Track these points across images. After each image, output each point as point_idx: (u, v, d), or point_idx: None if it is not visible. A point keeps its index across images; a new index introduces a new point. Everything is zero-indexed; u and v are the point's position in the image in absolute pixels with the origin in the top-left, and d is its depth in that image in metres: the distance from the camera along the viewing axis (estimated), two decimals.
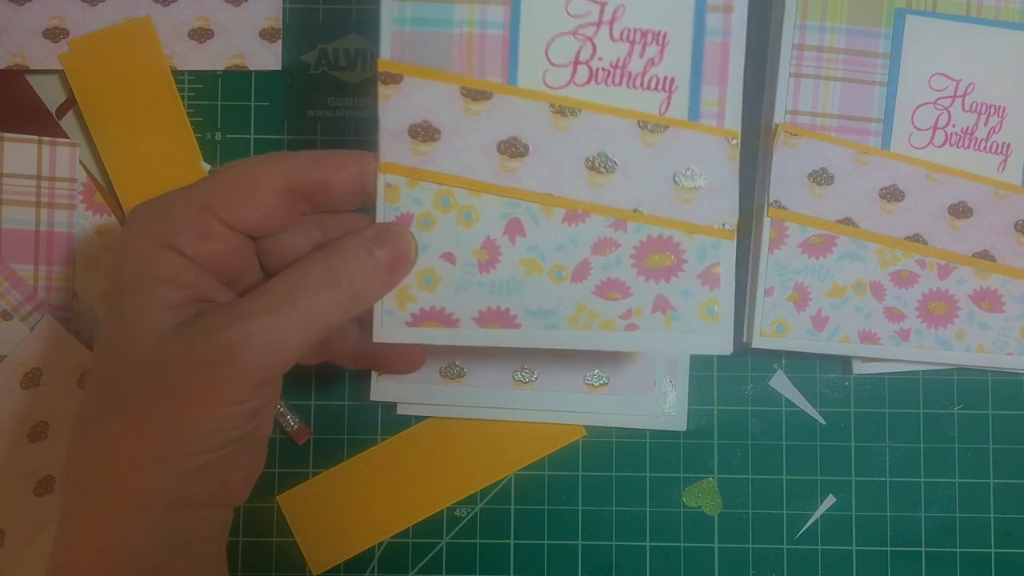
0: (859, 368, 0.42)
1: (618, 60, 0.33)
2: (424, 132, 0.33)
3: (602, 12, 0.33)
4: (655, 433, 0.43)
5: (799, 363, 0.43)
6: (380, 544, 0.43)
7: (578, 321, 0.33)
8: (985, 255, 0.41)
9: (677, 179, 0.33)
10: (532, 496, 0.43)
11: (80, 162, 0.42)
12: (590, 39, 0.33)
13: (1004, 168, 0.40)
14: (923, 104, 0.40)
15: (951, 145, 0.40)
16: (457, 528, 0.43)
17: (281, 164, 0.31)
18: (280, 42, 0.43)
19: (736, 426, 0.43)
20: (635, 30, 0.33)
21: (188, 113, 0.43)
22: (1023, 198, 0.40)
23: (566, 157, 0.33)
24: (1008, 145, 0.40)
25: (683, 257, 0.33)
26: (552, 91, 0.33)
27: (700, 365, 0.43)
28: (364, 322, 0.33)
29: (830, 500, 0.43)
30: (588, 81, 0.33)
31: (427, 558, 0.43)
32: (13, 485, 0.41)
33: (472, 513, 0.43)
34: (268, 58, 0.43)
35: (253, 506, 0.42)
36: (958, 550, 0.42)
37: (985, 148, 0.39)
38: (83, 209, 0.42)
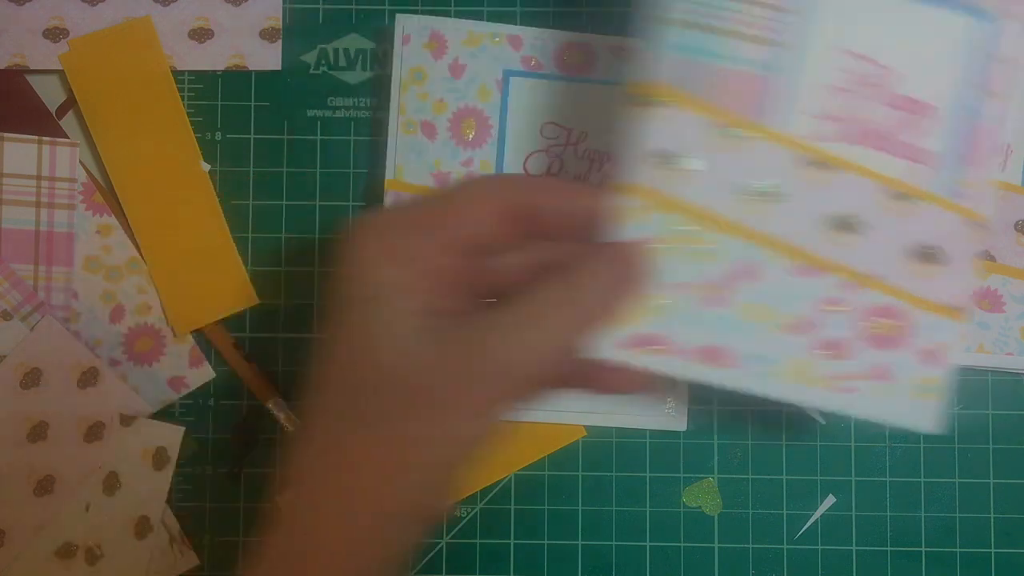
0: None
1: (884, 125, 0.32)
2: (675, 159, 0.32)
3: (879, 75, 0.32)
4: (655, 433, 0.43)
5: None
6: None
7: (793, 373, 0.33)
8: (985, 255, 0.41)
9: (919, 252, 0.33)
10: (532, 496, 0.43)
11: (80, 162, 0.42)
12: (863, 97, 0.32)
13: (1005, 168, 0.40)
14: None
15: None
16: (457, 528, 0.43)
17: (513, 186, 0.32)
18: (280, 42, 0.43)
19: (736, 426, 0.43)
20: (906, 97, 0.32)
21: (188, 113, 0.43)
22: (1022, 198, 0.40)
23: (813, 210, 0.32)
24: (1007, 145, 0.40)
25: (910, 330, 0.33)
26: (809, 142, 0.32)
27: None
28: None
29: (830, 500, 0.43)
30: (846, 139, 0.32)
31: (427, 558, 0.43)
32: (13, 485, 0.41)
33: (472, 513, 0.43)
34: (268, 58, 0.43)
35: (253, 506, 0.42)
36: (958, 550, 0.42)
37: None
38: (83, 209, 0.42)
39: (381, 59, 0.43)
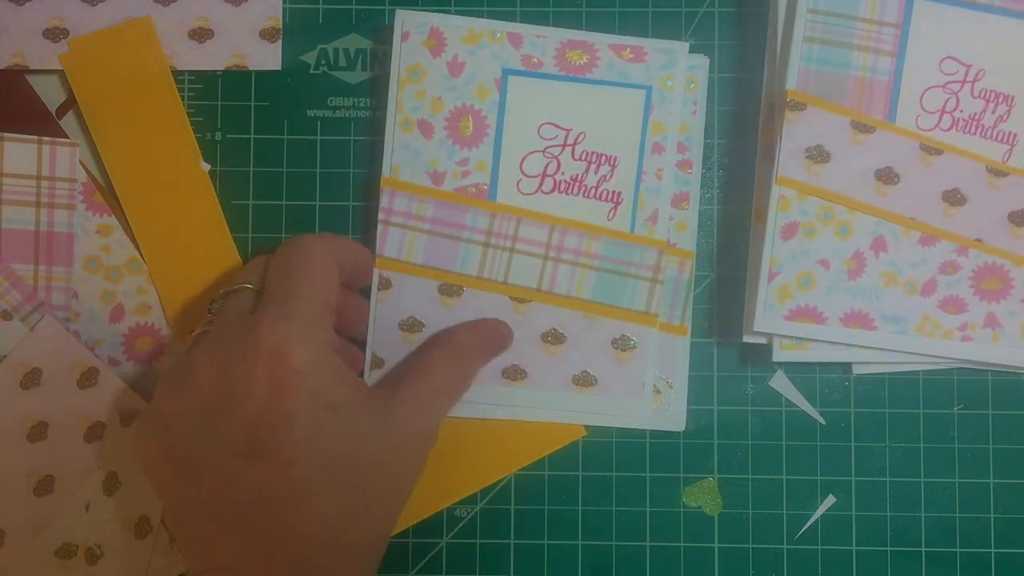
0: (859, 368, 0.42)
1: (975, 113, 0.40)
2: (818, 154, 0.40)
3: (966, 73, 0.40)
4: (655, 433, 0.43)
5: (799, 363, 0.43)
6: None
7: (923, 329, 0.40)
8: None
9: (1013, 218, 0.40)
10: (532, 496, 0.43)
11: (80, 162, 0.42)
12: (955, 94, 0.40)
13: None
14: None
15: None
16: (457, 528, 0.43)
17: (339, 247, 0.38)
18: (280, 42, 0.43)
19: (736, 426, 0.43)
20: (993, 91, 0.40)
21: (188, 113, 0.43)
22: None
23: (928, 188, 0.40)
24: (1014, 135, 0.40)
25: (1011, 283, 0.40)
26: (922, 132, 0.40)
27: (700, 365, 0.43)
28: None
29: (830, 500, 0.43)
30: (950, 128, 0.40)
31: (427, 558, 0.43)
32: (13, 485, 0.41)
33: (472, 513, 0.43)
34: (268, 58, 0.43)
35: None
36: (958, 550, 0.42)
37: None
38: (83, 209, 0.42)
39: (380, 59, 0.43)
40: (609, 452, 0.43)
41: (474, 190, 0.41)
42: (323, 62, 0.43)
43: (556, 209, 0.41)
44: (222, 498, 0.33)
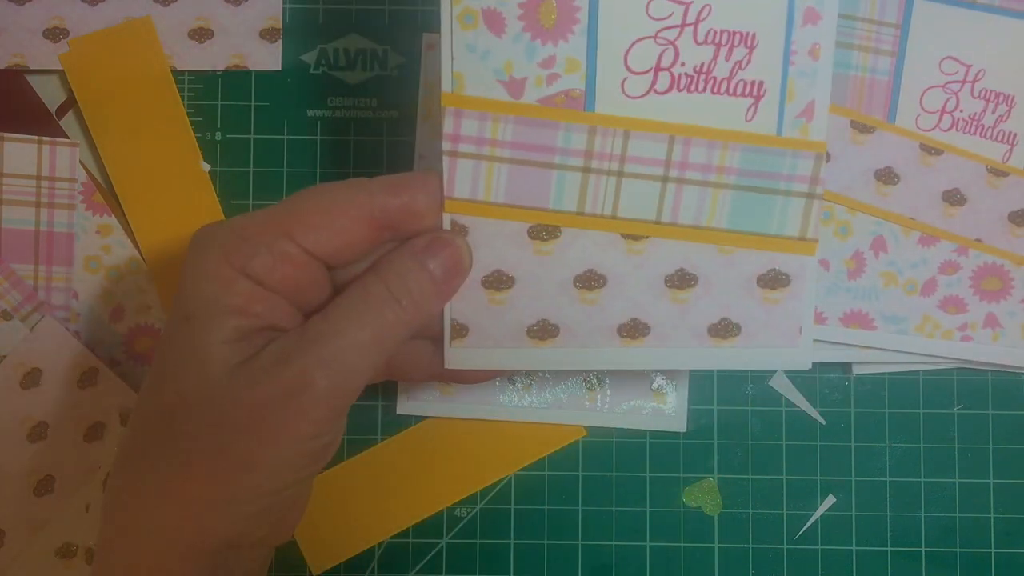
0: (859, 368, 0.42)
1: (975, 113, 0.40)
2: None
3: (966, 73, 0.40)
4: (655, 433, 0.43)
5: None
6: (380, 544, 0.43)
7: (923, 329, 0.40)
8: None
9: (1013, 218, 0.40)
10: (532, 496, 0.43)
11: (80, 162, 0.42)
12: (955, 94, 0.40)
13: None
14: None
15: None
16: (457, 528, 0.43)
17: (364, 189, 0.30)
18: (280, 42, 0.43)
19: (736, 426, 0.43)
20: (993, 91, 0.40)
21: (188, 113, 0.43)
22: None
23: (928, 188, 0.40)
24: (1015, 135, 0.40)
25: (1011, 283, 0.40)
26: (922, 132, 0.40)
27: None
28: (437, 341, 0.33)
29: (830, 500, 0.43)
30: (951, 128, 0.40)
31: (427, 558, 0.43)
32: (13, 485, 0.41)
33: (472, 513, 0.43)
34: (268, 58, 0.43)
35: None
36: (958, 550, 0.42)
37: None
38: (83, 209, 0.42)
39: (381, 59, 0.43)
40: (609, 452, 0.43)
41: (565, 99, 0.32)
42: (323, 62, 0.43)
43: (676, 114, 0.32)
44: None
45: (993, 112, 0.40)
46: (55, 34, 0.42)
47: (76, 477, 0.41)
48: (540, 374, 0.42)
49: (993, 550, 0.42)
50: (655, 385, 0.42)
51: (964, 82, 0.40)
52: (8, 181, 0.42)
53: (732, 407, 0.43)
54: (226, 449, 0.28)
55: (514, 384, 0.42)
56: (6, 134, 0.42)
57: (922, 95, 0.40)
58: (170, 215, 0.42)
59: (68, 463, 0.41)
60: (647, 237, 0.32)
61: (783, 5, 0.32)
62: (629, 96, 0.32)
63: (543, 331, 0.33)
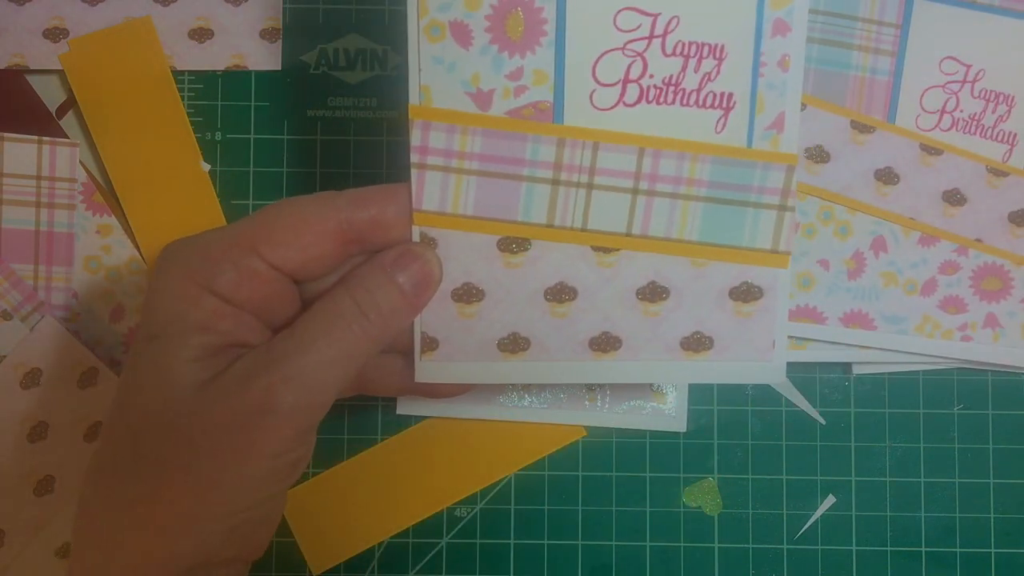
0: (859, 368, 0.42)
1: (975, 113, 0.40)
2: (818, 154, 0.39)
3: (966, 73, 0.40)
4: (655, 433, 0.43)
5: (799, 363, 0.43)
6: (380, 544, 0.43)
7: (923, 329, 0.40)
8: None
9: (1013, 218, 0.40)
10: (532, 496, 0.43)
11: (80, 162, 0.42)
12: (955, 94, 0.40)
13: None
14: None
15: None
16: (457, 528, 0.43)
17: (331, 203, 0.29)
18: (280, 42, 0.43)
19: (736, 426, 0.43)
20: (993, 91, 0.40)
21: (188, 113, 0.43)
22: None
23: (928, 188, 0.40)
24: (1015, 135, 0.40)
25: (1011, 283, 0.41)
26: (922, 132, 0.40)
27: None
28: (407, 355, 0.32)
29: (830, 500, 0.43)
30: (950, 128, 0.40)
31: (427, 558, 0.43)
32: (13, 485, 0.41)
33: (472, 513, 0.43)
34: (268, 58, 0.43)
35: None
36: (958, 550, 0.42)
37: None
38: (83, 209, 0.42)
39: (381, 59, 0.43)
40: (609, 452, 0.43)
41: (533, 111, 0.31)
42: (323, 62, 0.43)
43: (645, 126, 0.31)
44: None
45: (993, 112, 0.40)
46: (55, 34, 0.42)
47: (76, 477, 0.41)
48: None
49: (993, 550, 0.42)
50: (655, 385, 0.42)
51: (964, 82, 0.40)
52: (8, 181, 0.42)
53: (732, 407, 0.43)
54: (192, 469, 0.27)
55: (513, 384, 0.42)
56: (6, 134, 0.42)
57: (922, 95, 0.40)
58: (170, 215, 0.42)
59: (68, 463, 0.41)
60: (618, 250, 0.32)
61: (752, 17, 0.31)
62: (598, 108, 0.31)
63: (514, 344, 0.33)
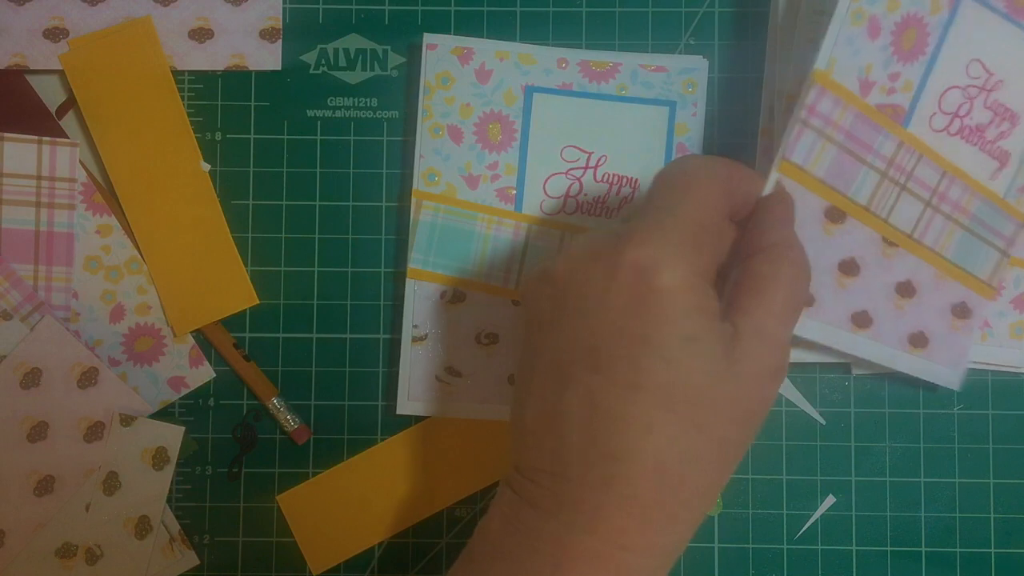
0: (859, 368, 0.42)
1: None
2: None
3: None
4: None
5: (799, 363, 0.43)
6: (380, 544, 0.43)
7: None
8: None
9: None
10: None
11: (80, 162, 0.42)
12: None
13: (998, 176, 0.40)
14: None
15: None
16: (457, 528, 0.43)
17: (726, 168, 0.33)
18: (280, 42, 0.43)
19: None
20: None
21: (188, 113, 0.43)
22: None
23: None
24: (1008, 154, 0.39)
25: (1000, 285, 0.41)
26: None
27: None
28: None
29: (830, 500, 0.43)
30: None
31: (427, 558, 0.43)
32: (13, 485, 0.41)
33: (472, 513, 0.43)
34: (268, 58, 0.43)
35: (253, 506, 0.42)
36: (958, 550, 0.42)
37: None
38: (83, 209, 0.42)
39: (381, 59, 0.43)
40: None
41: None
42: (323, 62, 0.43)
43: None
44: (554, 399, 0.30)
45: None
46: (55, 34, 0.42)
47: (76, 477, 0.41)
48: None
49: (993, 550, 0.42)
50: None
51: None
52: (8, 181, 0.42)
53: None
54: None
55: (513, 383, 0.42)
56: (6, 134, 0.42)
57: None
58: (170, 215, 0.42)
59: (68, 463, 0.41)
60: (899, 246, 0.38)
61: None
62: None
63: (862, 319, 0.39)
